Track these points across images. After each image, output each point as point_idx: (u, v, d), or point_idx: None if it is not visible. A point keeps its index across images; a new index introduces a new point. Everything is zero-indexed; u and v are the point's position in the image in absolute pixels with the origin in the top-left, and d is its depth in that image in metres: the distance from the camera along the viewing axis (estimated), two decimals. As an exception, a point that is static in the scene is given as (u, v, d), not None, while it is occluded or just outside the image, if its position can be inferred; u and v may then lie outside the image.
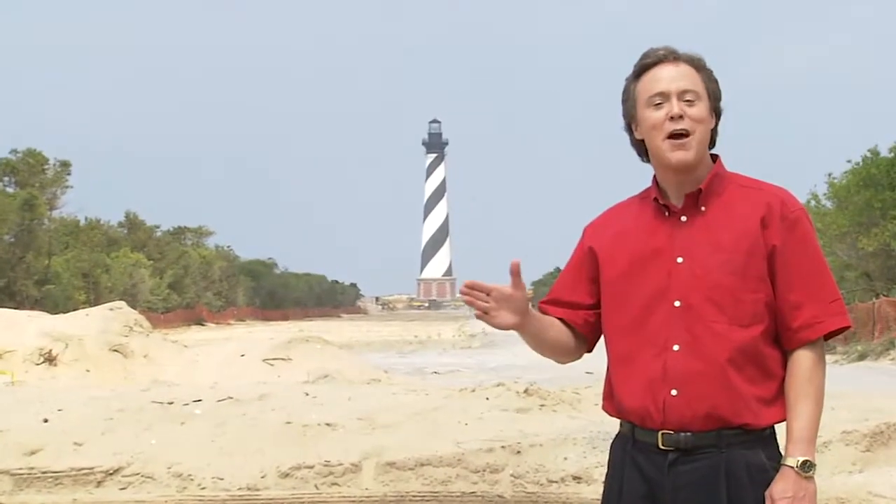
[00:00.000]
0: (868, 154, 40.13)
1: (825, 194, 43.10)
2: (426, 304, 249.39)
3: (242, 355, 19.65)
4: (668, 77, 3.19)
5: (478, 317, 3.20)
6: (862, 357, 30.20)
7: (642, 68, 3.24)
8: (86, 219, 76.17)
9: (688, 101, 3.18)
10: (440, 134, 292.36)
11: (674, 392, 3.14)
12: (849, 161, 40.92)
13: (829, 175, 42.27)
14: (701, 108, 3.19)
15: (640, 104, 3.23)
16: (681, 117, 3.16)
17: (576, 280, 3.40)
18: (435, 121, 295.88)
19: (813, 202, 43.92)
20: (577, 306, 3.39)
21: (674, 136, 3.17)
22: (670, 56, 3.22)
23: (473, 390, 12.36)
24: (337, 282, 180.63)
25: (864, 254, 38.86)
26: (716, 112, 3.24)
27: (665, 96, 3.18)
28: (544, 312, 3.42)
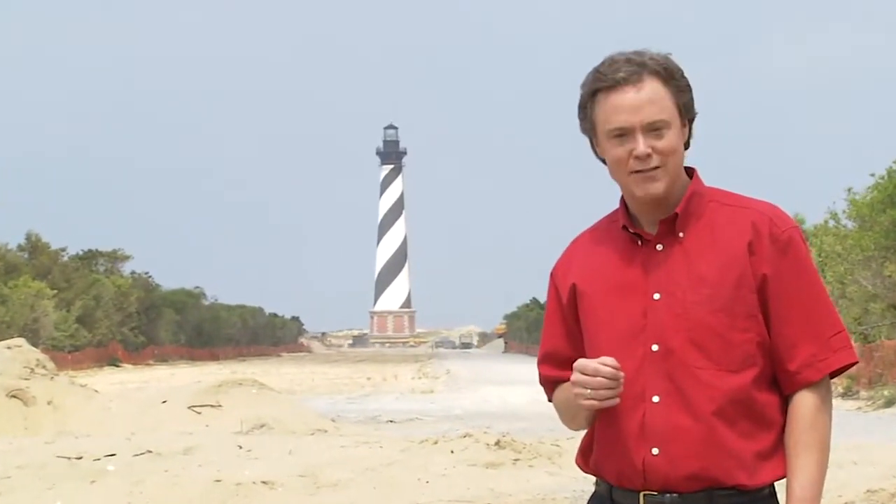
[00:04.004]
0: (894, 166, 40.29)
1: (845, 212, 43.24)
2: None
3: (164, 401, 19.57)
4: (629, 107, 3.13)
5: (591, 405, 3.15)
6: (889, 403, 30.29)
7: (598, 90, 3.19)
8: (-20, 241, 75.80)
9: (655, 131, 3.14)
10: (397, 142, 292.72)
11: (655, 451, 3.14)
12: (872, 174, 41.01)
13: (850, 190, 42.37)
14: (671, 137, 3.15)
15: (600, 132, 3.20)
16: (648, 156, 3.14)
17: (567, 333, 3.36)
18: (391, 126, 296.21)
19: (832, 222, 44.11)
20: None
21: (641, 171, 3.16)
22: (632, 78, 3.14)
23: (436, 442, 12.37)
24: (276, 315, 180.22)
25: (892, 282, 39.06)
26: (689, 119, 3.22)
27: (628, 131, 3.14)
28: (558, 379, 3.37)
